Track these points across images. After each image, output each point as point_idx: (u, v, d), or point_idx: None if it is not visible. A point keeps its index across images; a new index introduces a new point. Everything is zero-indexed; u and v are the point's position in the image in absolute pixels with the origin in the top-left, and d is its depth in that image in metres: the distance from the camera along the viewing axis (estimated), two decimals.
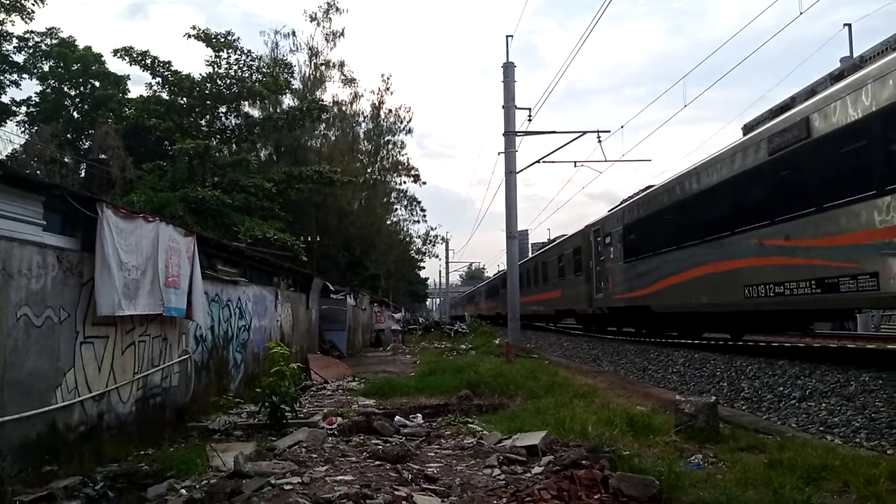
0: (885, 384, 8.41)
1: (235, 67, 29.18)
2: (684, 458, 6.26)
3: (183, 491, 5.68)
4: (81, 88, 34.43)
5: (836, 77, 10.80)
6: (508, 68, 23.40)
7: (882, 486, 4.90)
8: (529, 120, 23.67)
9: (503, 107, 23.35)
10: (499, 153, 24.89)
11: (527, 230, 70.07)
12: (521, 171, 24.13)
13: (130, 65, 28.34)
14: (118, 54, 28.21)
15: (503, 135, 23.42)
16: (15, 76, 33.69)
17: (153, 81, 29.37)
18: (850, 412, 7.94)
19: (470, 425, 8.72)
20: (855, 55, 13.27)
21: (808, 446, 6.20)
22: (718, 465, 6.04)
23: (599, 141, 23.24)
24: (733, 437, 6.99)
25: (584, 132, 23.47)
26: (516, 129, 23.40)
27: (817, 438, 7.15)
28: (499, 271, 54.60)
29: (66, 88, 34.33)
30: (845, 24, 17.00)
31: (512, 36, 24.23)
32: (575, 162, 25.22)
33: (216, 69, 28.69)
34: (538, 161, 25.02)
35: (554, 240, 32.97)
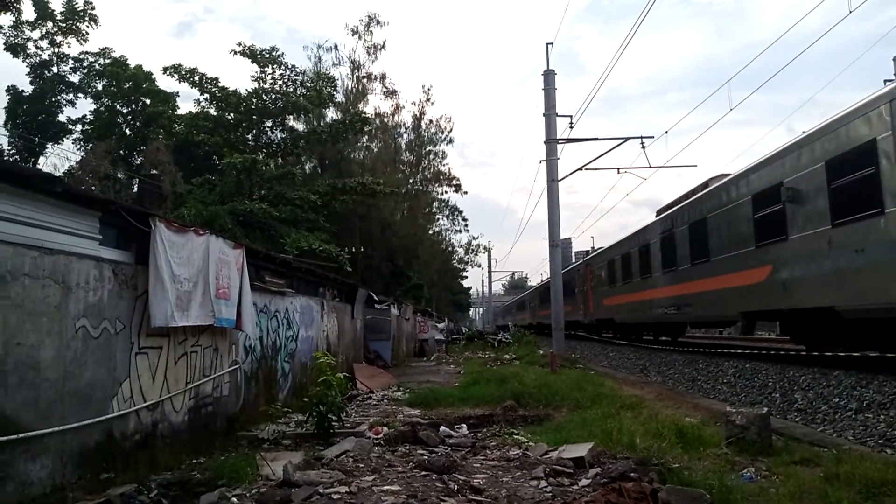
0: None
1: (280, 82, 29.83)
2: (736, 471, 6.12)
3: (234, 499, 5.78)
4: (133, 106, 35.54)
5: None
6: (549, 76, 23.32)
7: None
8: (571, 127, 23.50)
9: (544, 114, 23.26)
10: (540, 161, 24.57)
11: (570, 238, 69.74)
12: (563, 178, 24.02)
13: (179, 82, 29.33)
14: (168, 72, 29.15)
15: (544, 143, 23.31)
16: (71, 96, 35.01)
17: (201, 98, 30.34)
18: None
19: (515, 436, 8.67)
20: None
21: (866, 460, 6.00)
22: (772, 479, 5.89)
23: (643, 147, 22.90)
24: (787, 450, 6.81)
25: (627, 138, 23.19)
26: (558, 137, 23.26)
27: (876, 452, 6.91)
28: (571, 265, 43.09)
29: (118, 106, 35.48)
30: None
31: (552, 43, 24.08)
32: (618, 169, 24.91)
33: (262, 84, 29.37)
34: (580, 168, 24.83)
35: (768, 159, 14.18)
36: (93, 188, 24.21)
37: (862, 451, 6.67)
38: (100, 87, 35.07)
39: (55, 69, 34.35)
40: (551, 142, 23.11)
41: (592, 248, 45.24)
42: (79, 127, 35.64)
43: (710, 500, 5.01)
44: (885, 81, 11.34)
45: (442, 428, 9.26)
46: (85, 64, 34.87)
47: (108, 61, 34.94)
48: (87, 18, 33.61)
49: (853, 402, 9.01)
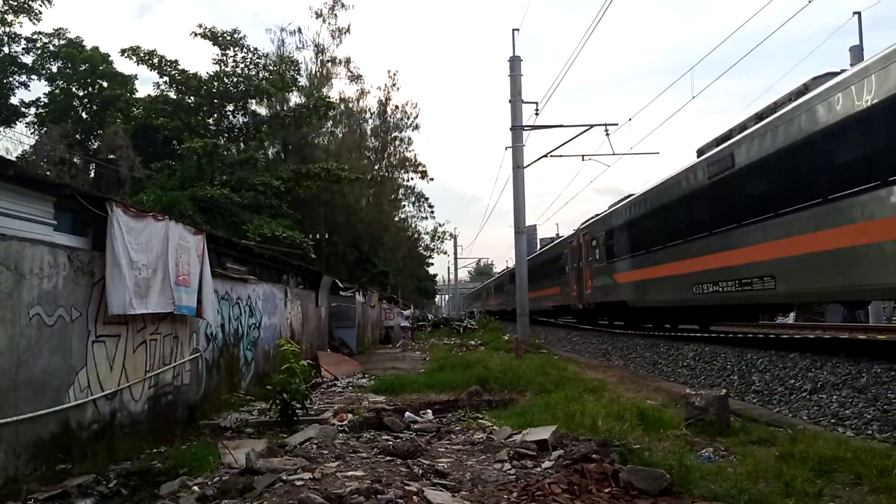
0: None
1: (242, 65, 29.30)
2: (695, 451, 6.25)
3: (195, 488, 5.72)
4: (89, 89, 34.57)
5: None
6: (515, 62, 23.32)
7: (895, 478, 4.88)
8: (537, 114, 23.58)
9: (510, 101, 23.28)
10: (506, 148, 24.61)
11: (535, 225, 69.88)
12: (529, 165, 24.07)
13: (138, 64, 28.58)
14: (125, 54, 28.40)
15: (510, 129, 23.35)
16: (24, 77, 33.87)
17: (160, 81, 29.59)
18: (861, 404, 7.90)
19: (480, 420, 8.74)
20: (864, 43, 12.88)
21: (819, 439, 6.18)
22: (729, 458, 6.03)
23: (607, 134, 23.06)
24: (744, 430, 6.98)
25: (592, 125, 23.33)
26: (523, 124, 23.33)
27: (829, 431, 7.12)
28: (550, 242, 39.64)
29: (74, 89, 34.48)
30: (855, 13, 16.81)
31: (518, 30, 24.09)
32: (583, 156, 25.04)
33: (223, 67, 28.81)
34: (546, 155, 24.96)
35: None
36: (48, 173, 23.54)
37: (815, 431, 6.87)
38: (54, 68, 33.98)
39: (6, 49, 33.17)
40: (517, 128, 23.16)
41: (557, 234, 44.91)
42: (32, 110, 34.54)
43: (669, 480, 5.11)
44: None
45: (407, 414, 9.28)
46: (38, 45, 33.71)
47: (63, 42, 33.86)
48: None
49: (808, 384, 9.25)
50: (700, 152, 16.02)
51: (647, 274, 18.28)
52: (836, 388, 8.69)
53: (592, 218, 25.54)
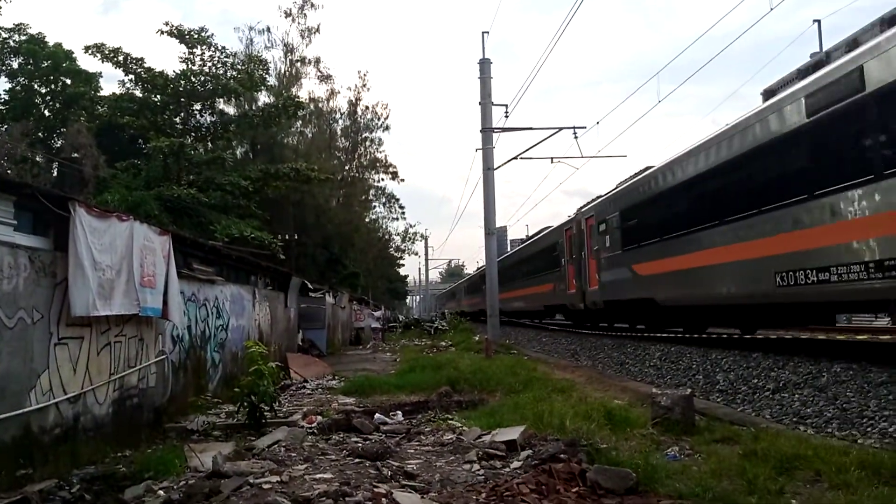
0: (855, 375, 8.58)
1: (210, 64, 28.91)
2: (661, 450, 6.34)
3: (161, 492, 5.64)
4: (52, 86, 33.84)
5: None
6: (485, 65, 23.42)
7: (852, 475, 5.01)
8: (506, 116, 23.70)
9: (480, 103, 23.37)
10: (476, 149, 24.68)
11: (505, 226, 70.25)
12: (499, 167, 24.19)
13: (102, 62, 28.03)
14: (90, 51, 27.84)
15: (480, 131, 23.45)
16: None
17: (126, 79, 29.05)
18: (822, 403, 8.08)
19: (450, 421, 8.76)
20: (824, 51, 13.03)
21: (781, 437, 6.31)
22: (694, 457, 6.13)
23: (576, 137, 23.32)
24: (709, 429, 7.09)
25: (561, 128, 23.56)
26: (493, 126, 23.44)
27: (790, 429, 7.27)
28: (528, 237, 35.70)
29: (36, 86, 33.71)
30: (815, 21, 17.24)
31: (488, 32, 24.25)
32: (552, 158, 25.31)
33: (190, 66, 28.39)
34: (515, 157, 25.08)
35: None
36: (8, 172, 22.98)
37: (778, 429, 7.02)
38: (15, 65, 33.20)
39: None
40: (487, 131, 23.26)
41: (527, 235, 44.95)
42: None
43: (635, 479, 5.18)
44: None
45: (377, 415, 9.27)
46: None
47: (24, 38, 33.10)
48: None
49: (770, 383, 9.44)
50: (769, 93, 11.67)
51: (694, 261, 13.36)
52: (798, 388, 8.88)
53: (597, 198, 20.67)
